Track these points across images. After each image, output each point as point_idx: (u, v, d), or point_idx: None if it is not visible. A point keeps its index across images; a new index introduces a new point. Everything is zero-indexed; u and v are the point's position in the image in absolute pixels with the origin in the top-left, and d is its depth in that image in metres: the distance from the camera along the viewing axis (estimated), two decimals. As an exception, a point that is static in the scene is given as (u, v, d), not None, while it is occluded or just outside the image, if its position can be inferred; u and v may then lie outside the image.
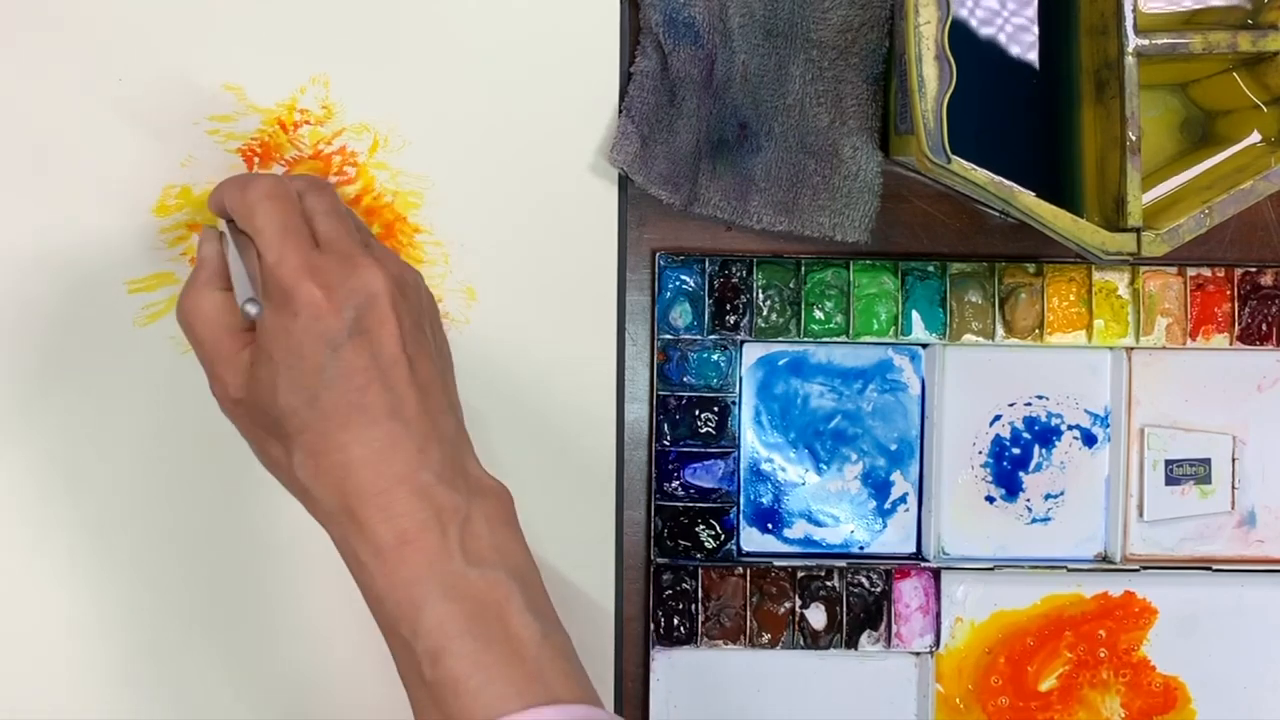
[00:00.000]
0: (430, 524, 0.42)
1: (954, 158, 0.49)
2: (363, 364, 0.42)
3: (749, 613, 0.57)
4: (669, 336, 0.56)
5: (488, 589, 0.42)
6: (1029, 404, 0.58)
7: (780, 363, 0.57)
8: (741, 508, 0.57)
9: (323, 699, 0.56)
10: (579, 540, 0.56)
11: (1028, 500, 0.58)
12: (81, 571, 0.55)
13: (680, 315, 0.57)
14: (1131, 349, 0.58)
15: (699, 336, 0.56)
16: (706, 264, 0.56)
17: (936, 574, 0.57)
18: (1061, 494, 0.58)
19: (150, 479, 0.55)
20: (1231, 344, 0.57)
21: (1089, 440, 0.58)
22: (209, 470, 0.55)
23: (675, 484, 0.57)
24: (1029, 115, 0.55)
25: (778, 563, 0.57)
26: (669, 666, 0.57)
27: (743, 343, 0.57)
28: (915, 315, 0.57)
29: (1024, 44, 0.55)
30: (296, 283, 0.43)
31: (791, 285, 0.57)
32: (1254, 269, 0.57)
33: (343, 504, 0.42)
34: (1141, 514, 0.58)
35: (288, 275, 0.43)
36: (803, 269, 0.56)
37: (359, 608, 0.43)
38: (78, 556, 0.55)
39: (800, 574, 0.57)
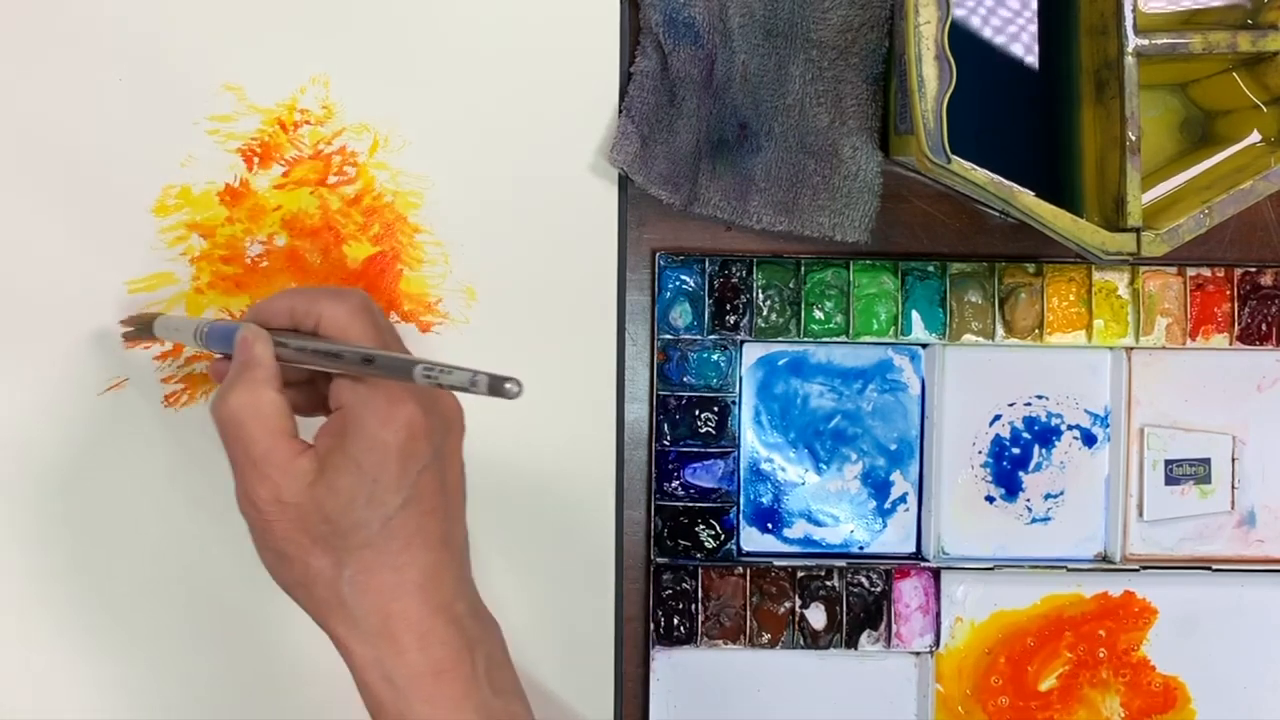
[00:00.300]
0: (463, 654, 0.43)
1: (954, 158, 0.49)
2: (434, 489, 0.43)
3: (749, 613, 0.57)
4: (669, 336, 0.56)
5: (510, 717, 0.44)
6: (1029, 404, 0.58)
7: (780, 363, 0.57)
8: (741, 508, 0.57)
9: None
10: (579, 540, 0.56)
11: (1028, 500, 0.58)
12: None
13: (680, 315, 0.57)
14: (1131, 349, 0.58)
15: (699, 336, 0.56)
16: (706, 264, 0.56)
17: (936, 574, 0.57)
18: (1061, 494, 0.58)
19: (148, 482, 0.55)
20: (1231, 344, 0.57)
21: (1089, 440, 0.58)
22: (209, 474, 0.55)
23: (675, 484, 0.57)
24: (1029, 115, 0.55)
25: (778, 563, 0.57)
26: (669, 666, 0.57)
27: (743, 343, 0.57)
28: (915, 315, 0.57)
29: (1024, 44, 0.55)
30: (399, 400, 0.42)
31: (791, 285, 0.57)
32: (1254, 269, 0.57)
33: (384, 625, 0.42)
34: (1141, 514, 0.58)
35: (389, 390, 0.42)
36: (803, 269, 0.56)
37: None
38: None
39: (800, 574, 0.57)
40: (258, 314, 0.46)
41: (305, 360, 0.44)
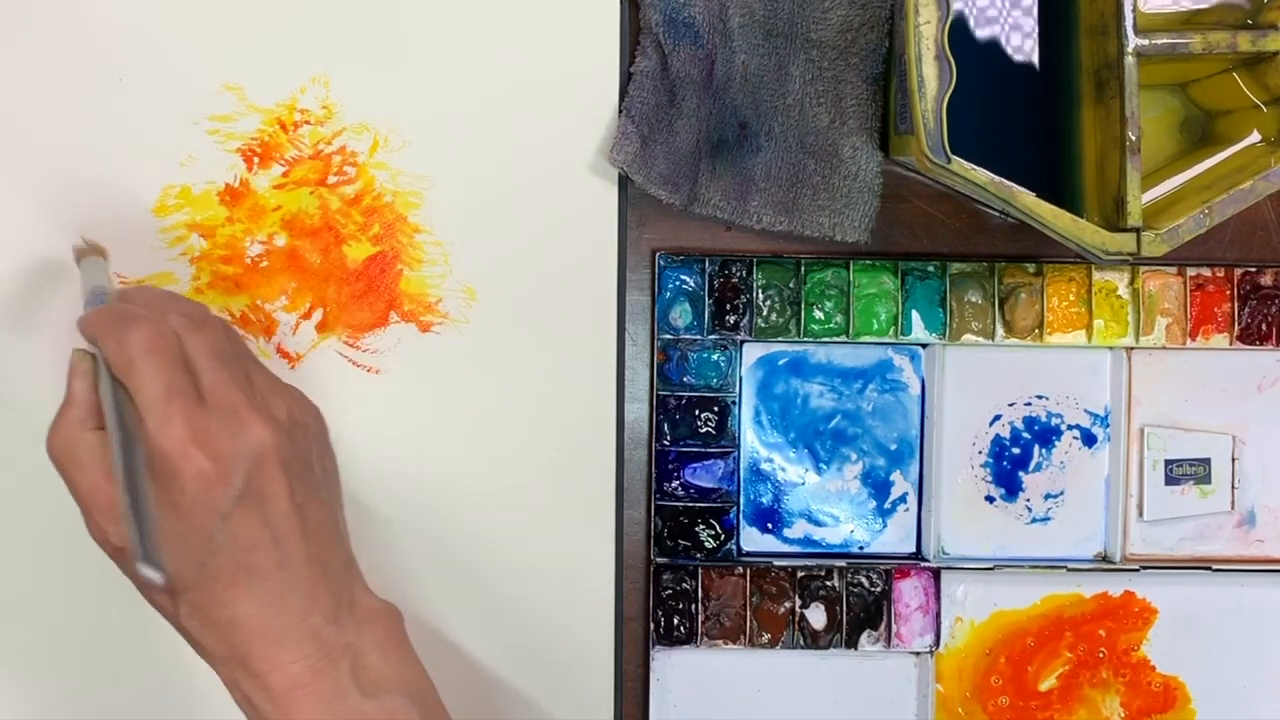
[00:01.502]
0: (322, 665, 0.43)
1: (954, 158, 0.49)
2: (252, 525, 0.43)
3: (749, 613, 0.57)
4: (669, 336, 0.56)
5: (387, 716, 0.43)
6: (1029, 404, 0.58)
7: (780, 363, 0.57)
8: (741, 508, 0.57)
9: None
10: (579, 540, 0.56)
11: (1028, 500, 0.58)
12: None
13: (680, 315, 0.57)
14: (1131, 349, 0.58)
15: (699, 336, 0.56)
16: (706, 264, 0.56)
17: (936, 574, 0.57)
18: (1061, 494, 0.58)
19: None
20: (1231, 344, 0.57)
21: (1089, 440, 0.58)
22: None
23: (675, 484, 0.57)
24: (1029, 115, 0.55)
25: (778, 563, 0.57)
26: (669, 666, 0.57)
27: (743, 343, 0.57)
28: (915, 315, 0.57)
29: (1024, 44, 0.55)
30: (183, 452, 0.41)
31: (791, 285, 0.57)
32: (1254, 269, 0.57)
33: (232, 653, 0.43)
34: (1141, 514, 0.58)
35: (174, 444, 0.41)
36: (803, 269, 0.56)
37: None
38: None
39: (800, 574, 0.57)
40: (116, 314, 0.45)
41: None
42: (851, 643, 0.57)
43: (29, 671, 0.55)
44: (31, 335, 0.55)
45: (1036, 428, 0.58)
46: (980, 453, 0.58)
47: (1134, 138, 0.50)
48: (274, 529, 0.43)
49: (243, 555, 0.42)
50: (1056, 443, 0.58)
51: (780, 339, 0.57)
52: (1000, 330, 0.57)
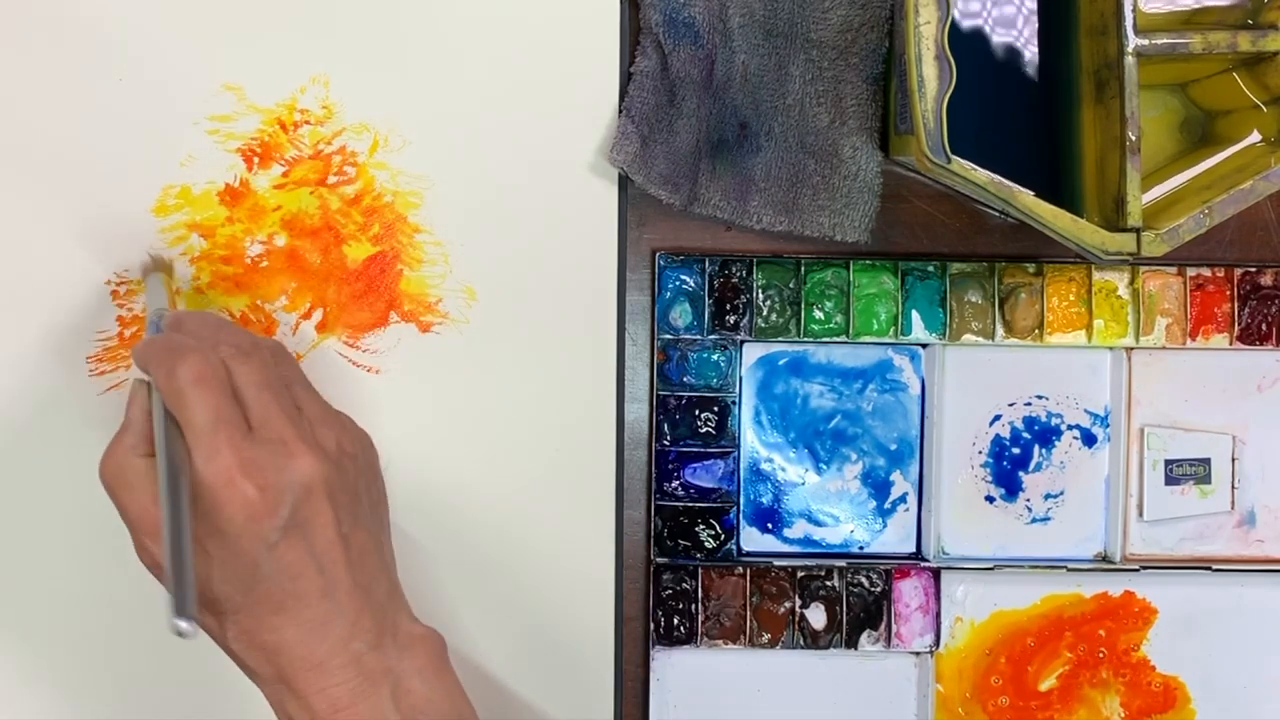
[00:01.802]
0: (363, 690, 0.44)
1: (954, 158, 0.49)
2: (298, 555, 0.43)
3: (749, 613, 0.57)
4: (669, 336, 0.56)
5: None
6: (1029, 404, 0.58)
7: (780, 363, 0.57)
8: (741, 508, 0.57)
9: None
10: (579, 540, 0.56)
11: (1028, 500, 0.58)
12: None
13: (680, 315, 0.57)
14: (1131, 349, 0.58)
15: (699, 336, 0.56)
16: (706, 264, 0.56)
17: (936, 574, 0.57)
18: (1061, 494, 0.58)
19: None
20: (1231, 344, 0.57)
21: (1089, 440, 0.58)
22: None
23: (675, 484, 0.57)
24: (1029, 115, 0.55)
25: (778, 563, 0.57)
26: (669, 666, 0.57)
27: (743, 343, 0.57)
28: (915, 315, 0.57)
29: (1024, 44, 0.55)
30: (230, 483, 0.42)
31: (791, 285, 0.57)
32: (1254, 269, 0.57)
33: (277, 675, 0.44)
34: (1141, 514, 0.58)
35: (220, 475, 0.42)
36: (803, 269, 0.56)
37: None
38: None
39: (800, 574, 0.57)
40: (166, 345, 0.45)
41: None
42: (851, 643, 0.57)
43: (36, 675, 0.55)
44: (32, 335, 0.55)
45: (1036, 428, 0.58)
46: (980, 453, 0.58)
47: (1134, 138, 0.50)
48: (319, 558, 0.44)
49: (288, 583, 0.43)
50: (1056, 443, 0.58)
51: (780, 339, 0.57)
52: (1000, 330, 0.57)
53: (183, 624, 0.39)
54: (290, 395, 0.46)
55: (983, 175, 0.49)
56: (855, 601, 0.57)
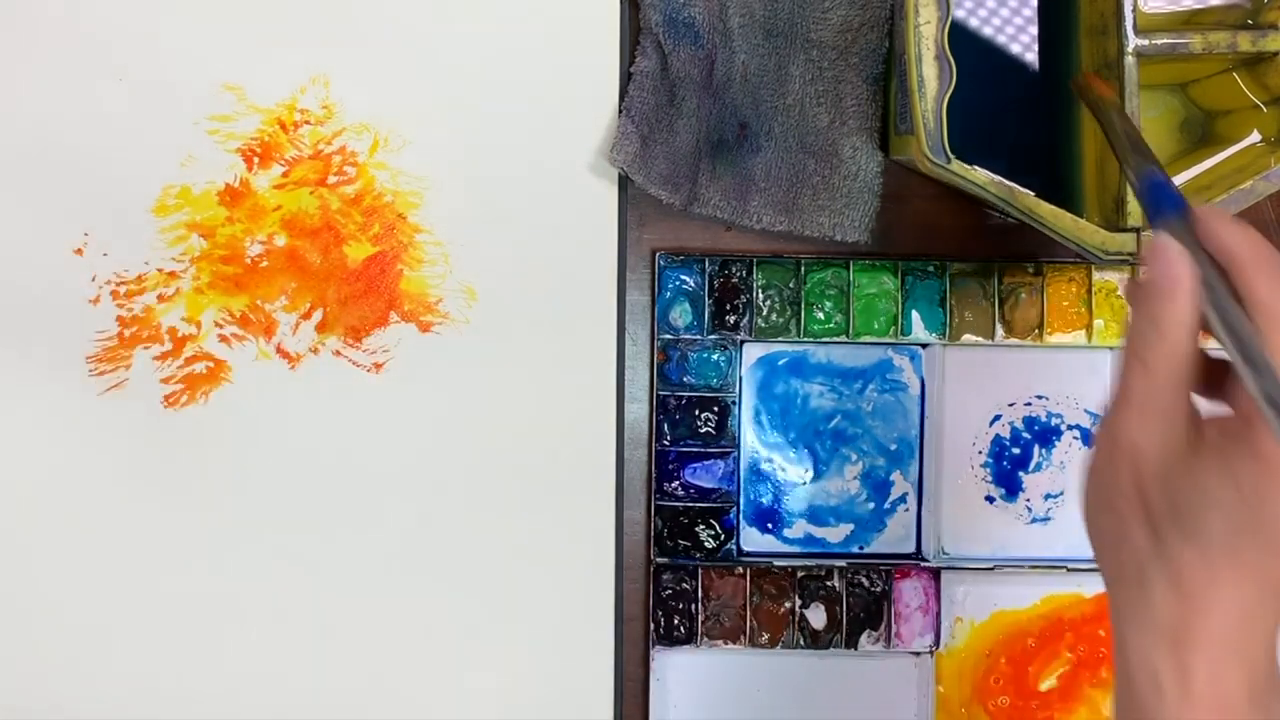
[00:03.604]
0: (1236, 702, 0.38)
1: (954, 158, 0.49)
2: None
3: (749, 613, 0.57)
4: (669, 336, 0.56)
5: None
6: (1029, 404, 0.58)
7: (780, 363, 0.57)
8: (741, 508, 0.57)
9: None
10: (579, 540, 0.56)
11: (1028, 500, 0.58)
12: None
13: (680, 315, 0.57)
14: (1131, 349, 0.57)
15: (699, 336, 0.56)
16: (706, 264, 0.56)
17: (936, 574, 0.57)
18: (1061, 494, 0.58)
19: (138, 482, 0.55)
20: (1231, 344, 0.57)
21: (1089, 440, 0.58)
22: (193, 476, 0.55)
23: (675, 484, 0.57)
24: (1029, 115, 0.55)
25: (778, 563, 0.57)
26: (669, 666, 0.57)
27: (743, 343, 0.57)
28: (915, 315, 0.57)
29: (1024, 44, 0.55)
30: None
31: (791, 285, 0.57)
32: (1254, 269, 0.57)
33: (1172, 630, 0.38)
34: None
35: None
36: (803, 269, 0.56)
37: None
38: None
39: (800, 574, 0.57)
40: (1202, 229, 0.38)
41: (1214, 329, 0.37)
42: (851, 643, 0.57)
43: (36, 675, 0.55)
44: (32, 335, 0.55)
45: (1036, 428, 0.58)
46: (980, 453, 0.58)
47: (1134, 138, 0.50)
48: None
49: (1268, 563, 0.37)
50: (1056, 443, 0.58)
51: (780, 339, 0.57)
52: (1000, 330, 0.57)
53: None
54: None
55: (983, 175, 0.49)
56: (855, 601, 0.57)
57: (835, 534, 0.58)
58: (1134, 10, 0.51)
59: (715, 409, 0.57)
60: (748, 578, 0.57)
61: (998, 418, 0.58)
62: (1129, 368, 0.38)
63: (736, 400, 0.57)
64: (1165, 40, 0.51)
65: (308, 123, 0.55)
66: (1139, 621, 0.38)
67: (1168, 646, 0.38)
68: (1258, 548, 0.37)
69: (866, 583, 0.57)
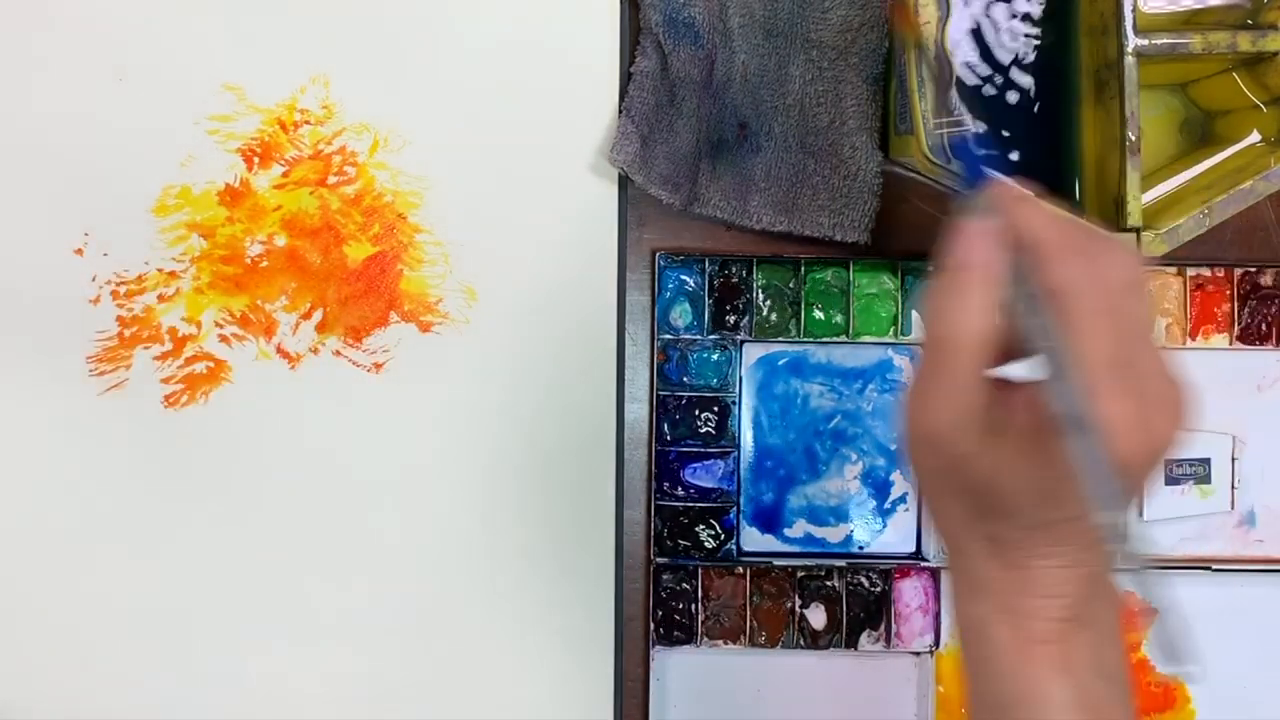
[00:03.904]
0: (1068, 632, 0.40)
1: (954, 158, 0.49)
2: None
3: (749, 613, 0.57)
4: (669, 336, 0.56)
5: (1098, 702, 0.40)
6: (1029, 404, 0.58)
7: (780, 363, 0.57)
8: (741, 508, 0.57)
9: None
10: (579, 540, 0.56)
11: (1028, 500, 0.58)
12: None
13: (680, 315, 0.57)
14: (1131, 349, 0.57)
15: (699, 336, 0.56)
16: (706, 264, 0.56)
17: (936, 574, 0.57)
18: (1061, 494, 0.58)
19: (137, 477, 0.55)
20: (1231, 344, 0.57)
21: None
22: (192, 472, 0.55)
23: (675, 484, 0.57)
24: (1029, 115, 0.55)
25: (778, 563, 0.57)
26: (669, 666, 0.57)
27: (743, 343, 0.57)
28: (915, 315, 0.57)
29: (1024, 44, 0.55)
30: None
31: (791, 285, 0.57)
32: (1254, 269, 0.57)
33: (996, 595, 0.39)
34: (1141, 514, 0.58)
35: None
36: (803, 269, 0.56)
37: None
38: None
39: (800, 574, 0.57)
40: (1007, 207, 0.39)
41: (1015, 315, 0.37)
42: (851, 643, 0.57)
43: (36, 675, 0.55)
44: (32, 334, 0.55)
45: (1036, 428, 0.58)
46: (980, 453, 0.58)
47: (1134, 138, 0.50)
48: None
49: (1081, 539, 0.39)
50: (1056, 443, 0.58)
51: (780, 339, 0.57)
52: (1000, 330, 0.57)
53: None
54: None
55: (983, 175, 0.49)
56: (855, 601, 0.57)
57: (835, 534, 0.58)
58: (1134, 10, 0.51)
59: (715, 409, 0.57)
60: (748, 578, 0.57)
61: (998, 418, 0.58)
62: (929, 349, 0.38)
63: (736, 400, 0.57)
64: (1165, 40, 0.51)
65: (308, 123, 0.55)
66: (970, 587, 0.39)
67: (1000, 612, 0.39)
68: (1071, 518, 0.38)
69: (866, 583, 0.57)
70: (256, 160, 0.55)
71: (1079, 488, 0.36)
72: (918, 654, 0.57)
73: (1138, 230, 0.50)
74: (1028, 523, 0.38)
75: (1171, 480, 0.57)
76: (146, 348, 0.55)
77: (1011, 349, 0.38)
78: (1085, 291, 0.36)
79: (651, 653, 0.56)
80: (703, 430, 0.57)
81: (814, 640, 0.57)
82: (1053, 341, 0.36)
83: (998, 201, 0.39)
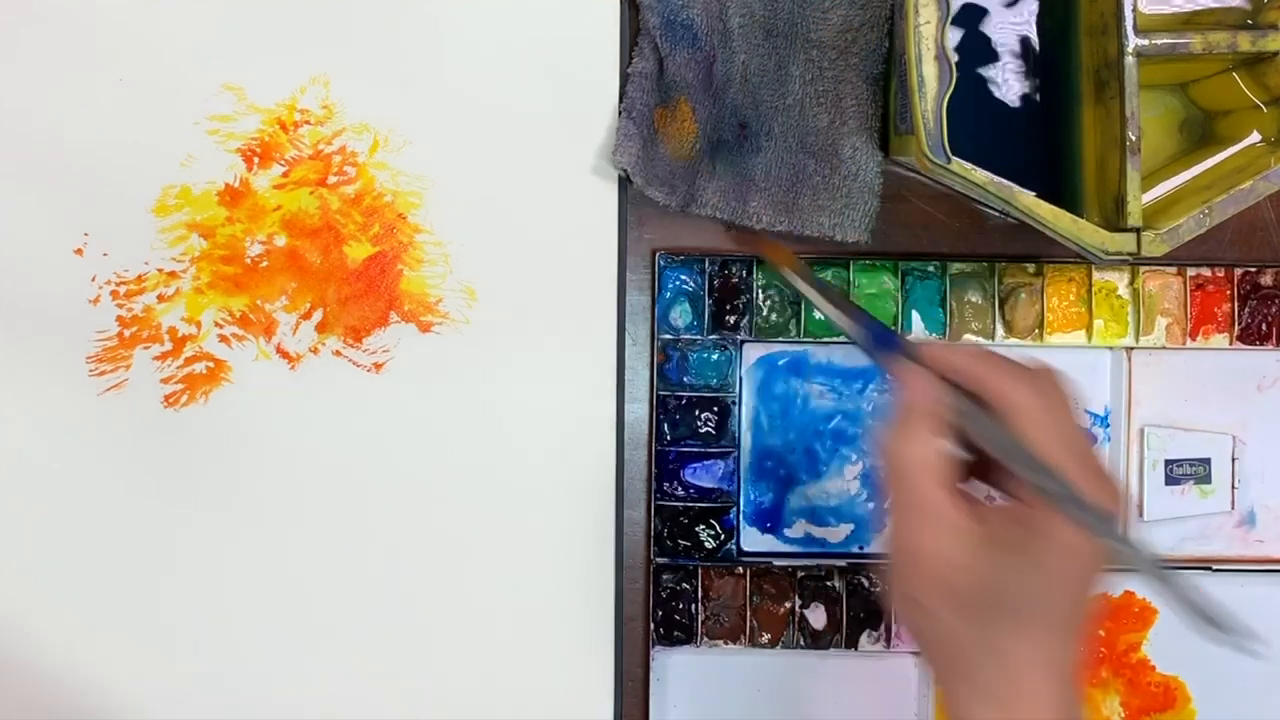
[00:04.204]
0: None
1: (954, 158, 0.49)
2: (1089, 620, 0.44)
3: (749, 613, 0.57)
4: (669, 336, 0.56)
5: None
6: (1029, 404, 0.58)
7: (780, 363, 0.57)
8: (741, 508, 0.57)
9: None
10: (579, 540, 0.56)
11: (1028, 500, 0.58)
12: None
13: (680, 315, 0.57)
14: (1131, 349, 0.58)
15: (699, 336, 0.56)
16: (706, 264, 0.56)
17: (936, 574, 0.57)
18: (1061, 494, 0.58)
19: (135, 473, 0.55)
20: (1231, 344, 0.57)
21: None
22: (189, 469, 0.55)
23: (675, 484, 0.57)
24: (1029, 115, 0.55)
25: (778, 563, 0.57)
26: (669, 666, 0.57)
27: (743, 343, 0.57)
28: (915, 315, 0.57)
29: (1024, 44, 0.55)
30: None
31: (791, 285, 0.57)
32: (1254, 269, 0.57)
33: (1001, 690, 0.42)
34: (1141, 514, 0.58)
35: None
36: (803, 269, 0.56)
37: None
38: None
39: (800, 574, 0.57)
40: (927, 355, 0.44)
41: (973, 435, 0.42)
42: (851, 643, 0.57)
43: (36, 674, 0.55)
44: (32, 334, 0.55)
45: (1036, 428, 0.58)
46: (980, 453, 0.58)
47: (1134, 138, 0.50)
48: (1087, 625, 0.44)
49: (1065, 639, 0.43)
50: (1056, 443, 0.58)
51: (780, 339, 0.57)
52: (1000, 330, 0.57)
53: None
54: None
55: (983, 175, 0.49)
56: (855, 601, 0.57)
57: (835, 534, 0.58)
58: (1134, 10, 0.51)
59: (715, 409, 0.57)
60: (748, 578, 0.57)
61: (998, 418, 0.58)
62: (895, 483, 0.43)
63: (736, 400, 0.57)
64: (1165, 40, 0.51)
65: (308, 123, 0.55)
66: (973, 697, 0.42)
67: (998, 711, 0.42)
68: (1065, 614, 0.42)
69: (866, 583, 0.57)
70: (256, 160, 0.55)
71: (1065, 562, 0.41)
72: (918, 654, 0.57)
73: (1138, 230, 0.50)
74: (1032, 625, 0.41)
75: (1171, 480, 0.58)
76: (146, 348, 0.55)
77: (969, 469, 0.44)
78: (1033, 404, 0.42)
79: (651, 653, 0.56)
80: (703, 430, 0.57)
81: (814, 640, 0.57)
82: (1011, 444, 0.41)
83: (924, 354, 0.44)
